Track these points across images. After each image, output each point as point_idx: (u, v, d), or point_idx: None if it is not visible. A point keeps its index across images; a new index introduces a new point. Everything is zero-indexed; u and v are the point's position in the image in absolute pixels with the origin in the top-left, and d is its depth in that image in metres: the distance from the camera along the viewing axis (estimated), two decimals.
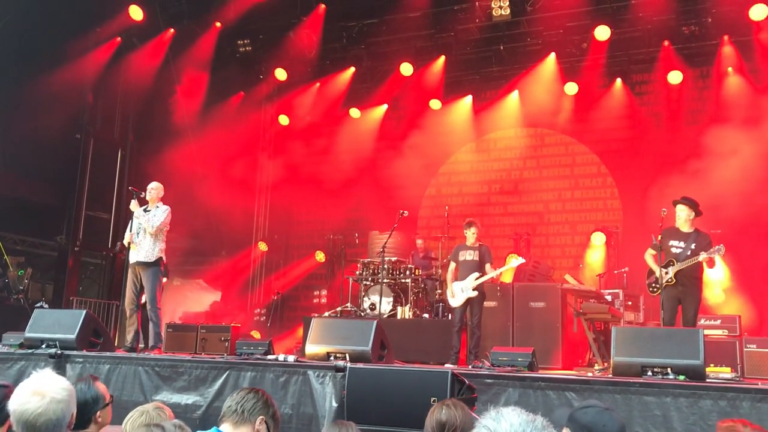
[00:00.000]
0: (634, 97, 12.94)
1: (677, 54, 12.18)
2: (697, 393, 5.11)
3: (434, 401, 4.71)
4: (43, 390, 2.50)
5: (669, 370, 5.60)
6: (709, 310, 9.86)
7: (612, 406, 2.96)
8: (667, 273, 7.44)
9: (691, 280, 7.48)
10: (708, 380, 5.63)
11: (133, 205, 8.45)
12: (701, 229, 7.76)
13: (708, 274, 8.88)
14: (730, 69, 12.04)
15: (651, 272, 7.76)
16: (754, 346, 8.89)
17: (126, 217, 8.79)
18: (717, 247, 7.30)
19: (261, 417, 3.18)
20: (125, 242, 8.54)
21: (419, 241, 12.13)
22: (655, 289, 7.66)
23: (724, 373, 7.16)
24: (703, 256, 7.26)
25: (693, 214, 7.66)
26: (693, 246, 7.46)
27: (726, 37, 11.85)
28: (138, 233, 8.36)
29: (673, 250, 7.56)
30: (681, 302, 7.49)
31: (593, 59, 12.64)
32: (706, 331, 7.83)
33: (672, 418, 5.08)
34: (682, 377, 5.50)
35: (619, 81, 12.94)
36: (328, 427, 3.23)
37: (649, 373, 5.66)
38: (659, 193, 11.03)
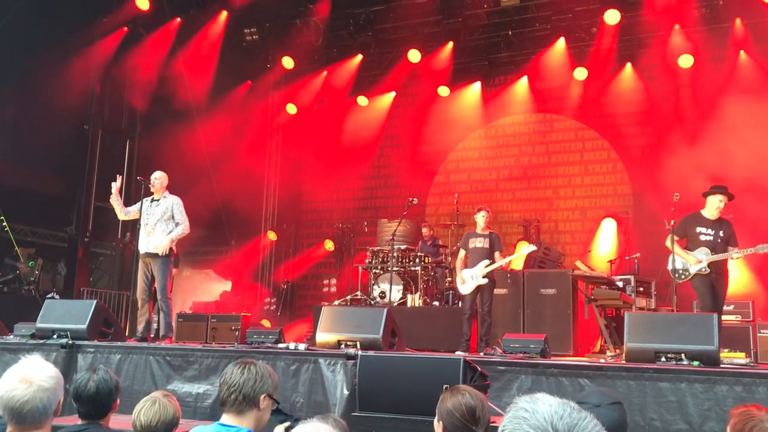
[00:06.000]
0: (645, 82, 12.80)
1: (688, 37, 12.03)
2: (712, 378, 5.07)
3: (447, 389, 4.68)
4: (30, 377, 2.49)
5: (683, 355, 5.56)
6: None
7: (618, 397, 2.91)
8: (701, 262, 7.27)
9: (721, 266, 7.36)
10: (723, 366, 5.58)
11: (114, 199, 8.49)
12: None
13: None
14: (742, 52, 11.90)
15: (674, 258, 7.47)
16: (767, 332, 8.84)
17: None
18: (761, 245, 7.17)
19: (263, 395, 2.99)
20: (123, 216, 8.62)
21: (425, 229, 12.08)
22: (683, 276, 7.41)
23: (739, 358, 7.10)
24: (742, 253, 7.19)
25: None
26: (721, 233, 7.31)
27: (738, 20, 11.70)
28: (147, 224, 8.35)
29: (702, 237, 7.36)
30: (713, 288, 7.33)
31: (603, 44, 12.50)
32: None
33: (687, 404, 5.04)
34: (696, 363, 5.45)
35: (629, 65, 12.80)
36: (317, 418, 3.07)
37: (663, 359, 5.62)
38: (670, 178, 10.94)
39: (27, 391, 2.45)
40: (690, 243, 7.44)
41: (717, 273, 7.31)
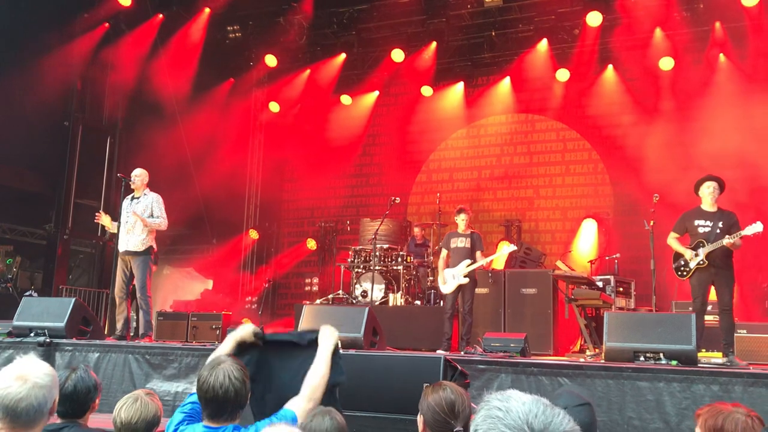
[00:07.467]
0: (626, 83, 12.89)
1: (669, 40, 12.14)
2: (689, 378, 5.13)
3: (429, 385, 4.69)
4: (25, 375, 2.46)
5: (661, 355, 5.62)
6: None
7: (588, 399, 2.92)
8: (697, 255, 6.97)
9: (723, 260, 7.00)
10: (700, 365, 5.65)
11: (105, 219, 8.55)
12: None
13: None
14: (721, 55, 12.03)
15: (677, 255, 7.23)
16: (745, 331, 8.90)
17: (115, 205, 8.72)
18: (753, 225, 6.76)
19: (248, 393, 3.00)
20: (113, 231, 8.54)
21: (417, 229, 12.10)
22: (684, 273, 7.15)
23: (716, 358, 7.17)
24: (734, 237, 6.77)
25: (719, 191, 7.20)
26: (720, 224, 7.00)
27: (717, 23, 11.82)
28: (127, 222, 8.29)
29: (700, 230, 7.08)
30: (713, 285, 7.07)
31: (585, 45, 12.60)
32: None
33: (665, 403, 5.10)
34: (674, 362, 5.51)
35: (610, 67, 12.90)
36: (312, 415, 3.13)
37: (642, 359, 5.67)
38: (651, 179, 11.04)
39: (22, 388, 2.43)
40: (691, 238, 7.18)
41: (717, 267, 6.96)
